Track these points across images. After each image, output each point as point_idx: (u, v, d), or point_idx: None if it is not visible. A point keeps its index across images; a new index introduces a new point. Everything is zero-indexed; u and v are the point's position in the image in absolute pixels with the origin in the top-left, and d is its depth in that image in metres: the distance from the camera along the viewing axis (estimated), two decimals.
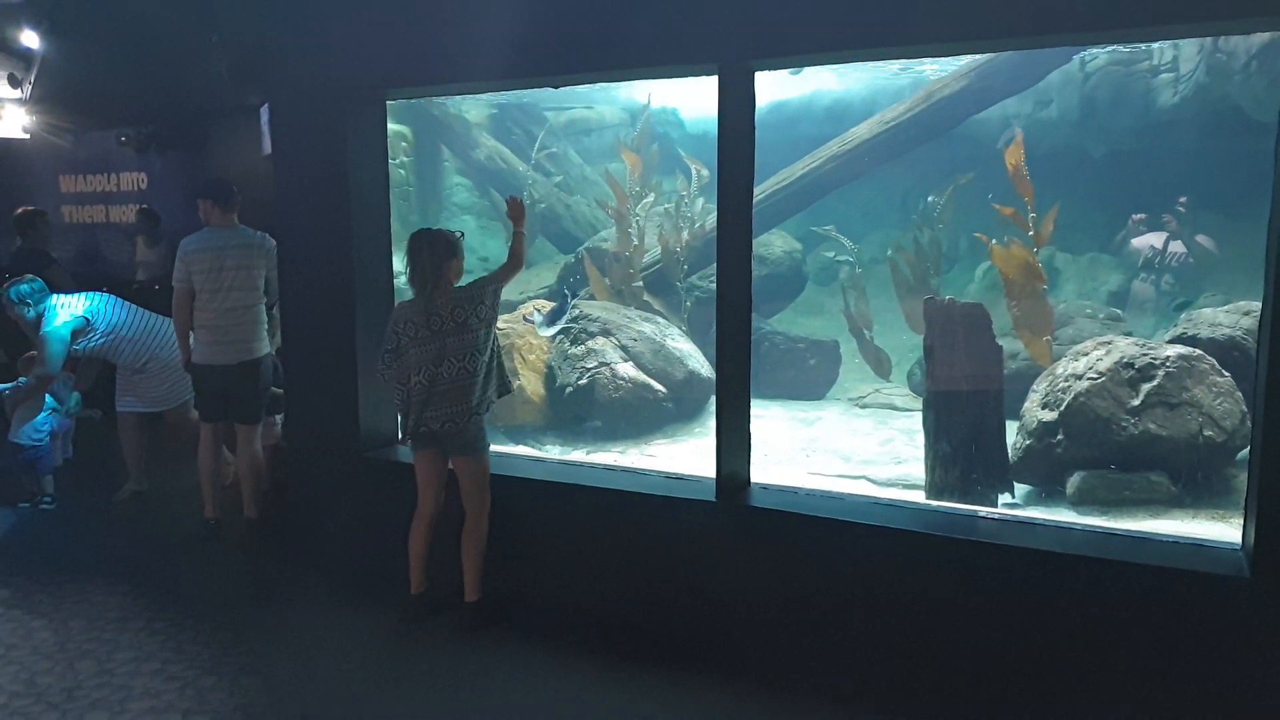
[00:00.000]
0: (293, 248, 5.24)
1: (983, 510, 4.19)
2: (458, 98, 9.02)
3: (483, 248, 10.39)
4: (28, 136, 9.49)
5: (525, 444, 6.08)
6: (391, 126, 5.32)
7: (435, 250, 4.13)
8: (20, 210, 7.46)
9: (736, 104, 3.99)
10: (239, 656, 4.07)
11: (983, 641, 3.56)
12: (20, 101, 9.15)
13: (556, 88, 5.74)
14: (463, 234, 4.34)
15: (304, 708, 3.67)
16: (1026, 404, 5.05)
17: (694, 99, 9.57)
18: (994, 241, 6.22)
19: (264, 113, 8.25)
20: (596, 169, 10.20)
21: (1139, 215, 8.46)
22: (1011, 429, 4.80)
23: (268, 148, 8.16)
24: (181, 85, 8.68)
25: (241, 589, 4.87)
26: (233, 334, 5.39)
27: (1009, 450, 4.69)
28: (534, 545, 4.47)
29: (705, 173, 7.82)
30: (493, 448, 5.23)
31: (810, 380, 7.25)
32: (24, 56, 7.15)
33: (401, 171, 9.46)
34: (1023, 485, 4.78)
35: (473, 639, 4.15)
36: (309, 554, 5.09)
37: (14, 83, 8.16)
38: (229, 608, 4.60)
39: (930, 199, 7.85)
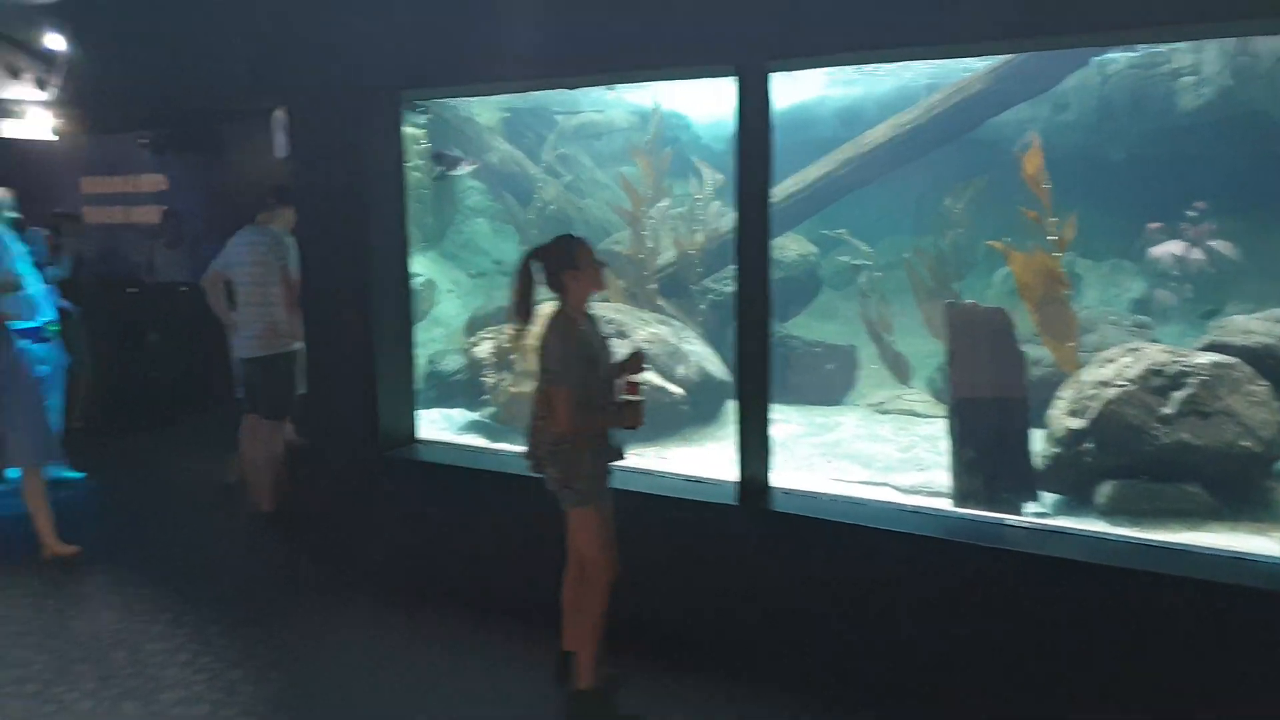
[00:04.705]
0: (311, 248, 5.23)
1: (1010, 518, 4.13)
2: (470, 101, 8.99)
3: (495, 250, 10.37)
4: (55, 138, 9.52)
5: None
6: (406, 129, 5.29)
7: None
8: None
9: (754, 106, 3.94)
10: (265, 650, 4.08)
11: (1009, 650, 3.50)
12: (46, 104, 9.16)
13: (572, 89, 5.73)
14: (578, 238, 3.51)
15: (331, 703, 3.68)
16: (1052, 411, 4.98)
17: (704, 102, 9.54)
18: (1008, 242, 6.15)
19: (277, 116, 8.26)
20: (608, 172, 10.17)
21: (1155, 224, 8.39)
22: (1036, 436, 4.73)
23: (280, 150, 8.18)
24: (200, 88, 8.67)
25: (265, 584, 4.89)
26: (247, 329, 5.61)
27: (1035, 458, 4.62)
28: (551, 548, 4.41)
29: (719, 176, 7.78)
30: (506, 448, 5.17)
31: (827, 385, 7.18)
32: (49, 59, 7.15)
33: (416, 174, 9.44)
34: (1050, 494, 4.71)
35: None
36: (328, 550, 5.11)
37: (40, 85, 8.19)
38: (254, 602, 4.64)
39: (947, 203, 7.80)
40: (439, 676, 3.88)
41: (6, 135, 9.28)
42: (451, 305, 8.80)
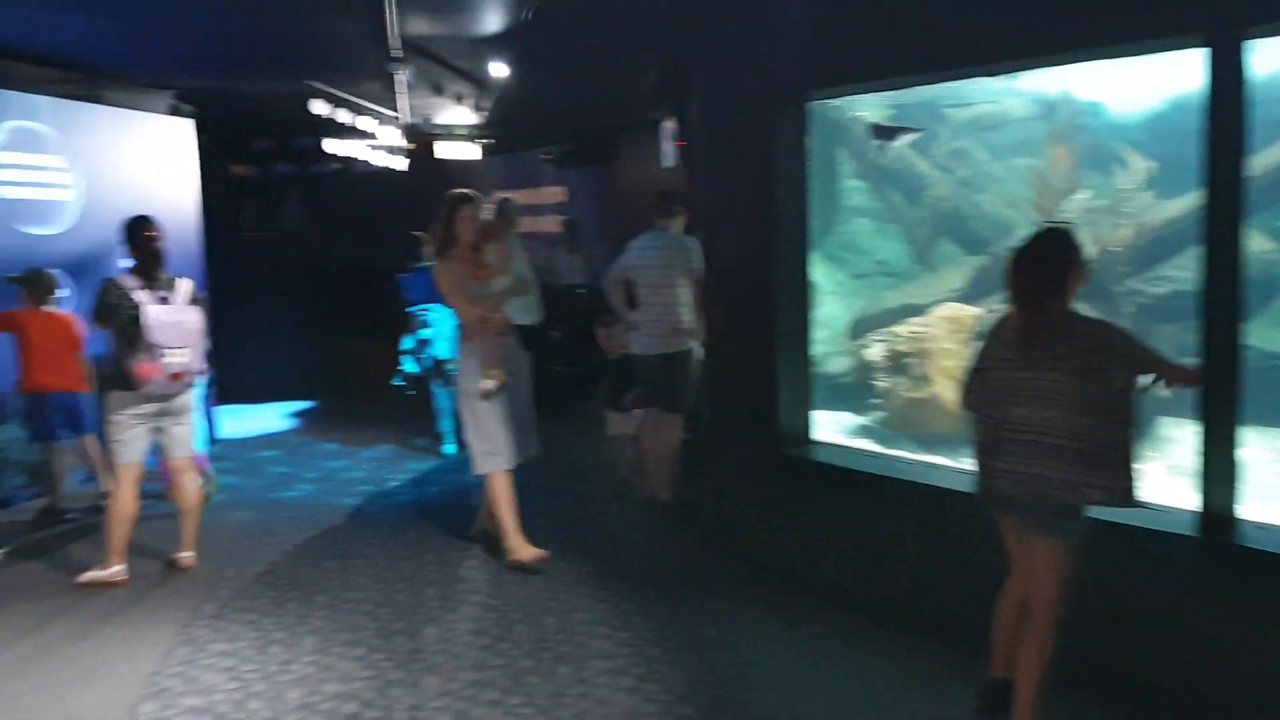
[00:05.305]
0: (715, 249, 5.40)
1: None
2: (855, 99, 8.82)
3: (877, 250, 10.10)
4: (479, 157, 10.89)
5: (939, 454, 5.71)
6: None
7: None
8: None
9: (1226, 82, 3.41)
10: (676, 633, 4.27)
11: None
12: (476, 127, 10.52)
13: (995, 75, 5.37)
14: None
15: (739, 695, 3.74)
16: None
17: (1118, 84, 8.47)
18: None
19: (666, 127, 8.72)
20: (1006, 165, 9.46)
21: None
22: None
23: (667, 159, 8.62)
24: (606, 104, 9.40)
25: (669, 570, 5.15)
26: (649, 327, 5.96)
27: None
28: (959, 565, 4.13)
29: (1150, 164, 6.90)
30: (912, 456, 4.96)
31: None
32: (484, 86, 8.16)
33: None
34: None
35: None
36: (726, 543, 5.27)
37: (476, 110, 9.38)
38: (661, 586, 4.88)
39: None
40: (836, 682, 3.84)
41: (441, 155, 10.78)
42: (834, 307, 8.69)
